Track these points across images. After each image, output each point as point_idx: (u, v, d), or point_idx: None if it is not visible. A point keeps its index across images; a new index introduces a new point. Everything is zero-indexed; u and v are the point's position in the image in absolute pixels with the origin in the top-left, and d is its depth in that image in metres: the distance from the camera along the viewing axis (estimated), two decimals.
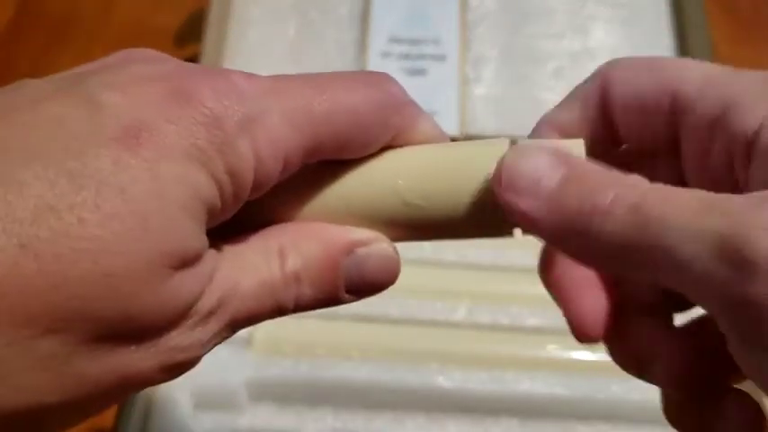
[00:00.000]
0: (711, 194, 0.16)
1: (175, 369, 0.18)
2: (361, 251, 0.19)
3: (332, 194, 0.20)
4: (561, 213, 0.18)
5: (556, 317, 0.43)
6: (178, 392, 0.39)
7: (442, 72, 0.51)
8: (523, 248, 0.43)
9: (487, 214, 0.19)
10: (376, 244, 0.20)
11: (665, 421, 0.41)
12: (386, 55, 0.51)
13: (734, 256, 0.15)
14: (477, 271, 0.44)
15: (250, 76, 0.18)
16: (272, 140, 0.17)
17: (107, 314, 0.16)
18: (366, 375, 0.40)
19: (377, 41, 0.52)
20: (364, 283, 0.20)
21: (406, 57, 0.51)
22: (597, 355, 0.41)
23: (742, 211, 0.15)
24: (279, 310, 0.19)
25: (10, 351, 0.15)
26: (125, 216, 0.16)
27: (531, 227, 0.18)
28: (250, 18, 0.54)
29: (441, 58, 0.51)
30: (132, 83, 0.17)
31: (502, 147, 0.19)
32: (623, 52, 0.54)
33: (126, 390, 0.17)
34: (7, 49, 0.58)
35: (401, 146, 0.20)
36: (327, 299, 0.20)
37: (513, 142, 0.19)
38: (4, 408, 0.15)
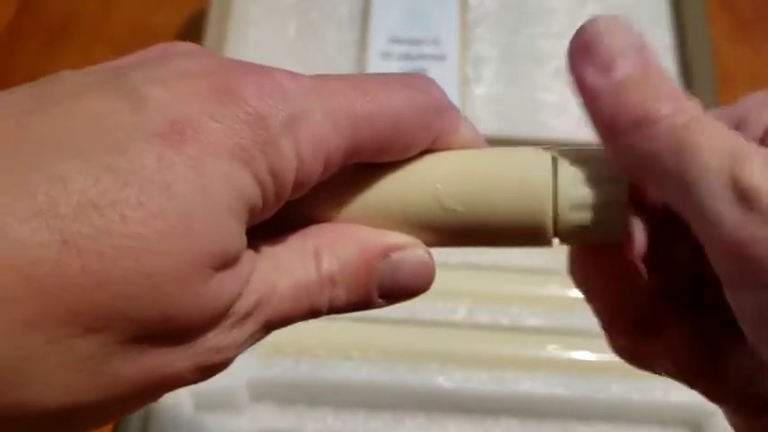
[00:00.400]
0: (741, 143, 0.17)
1: (210, 370, 0.17)
2: (397, 256, 0.19)
3: (370, 197, 0.19)
4: (619, 103, 0.18)
5: (556, 317, 0.43)
6: (179, 392, 0.39)
7: (441, 72, 0.51)
8: (524, 249, 0.43)
9: (527, 223, 0.19)
10: (411, 249, 0.19)
11: (666, 420, 0.41)
12: (386, 55, 0.51)
13: (741, 196, 0.16)
14: (478, 271, 0.44)
15: (293, 74, 0.18)
16: (314, 141, 0.17)
17: (147, 314, 0.15)
18: (366, 375, 0.40)
19: (377, 41, 0.52)
20: (398, 289, 0.20)
21: (407, 57, 0.51)
22: (597, 355, 0.41)
23: (764, 162, 0.16)
24: (313, 313, 0.19)
25: (49, 349, 0.15)
26: (169, 214, 0.15)
27: (588, 101, 0.18)
28: (250, 18, 0.54)
29: (441, 58, 0.51)
30: (175, 78, 0.17)
31: (545, 156, 0.19)
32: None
33: (160, 390, 0.17)
34: (8, 49, 0.58)
35: (441, 150, 0.20)
36: (361, 302, 0.19)
37: (555, 156, 0.19)
38: (40, 406, 0.15)
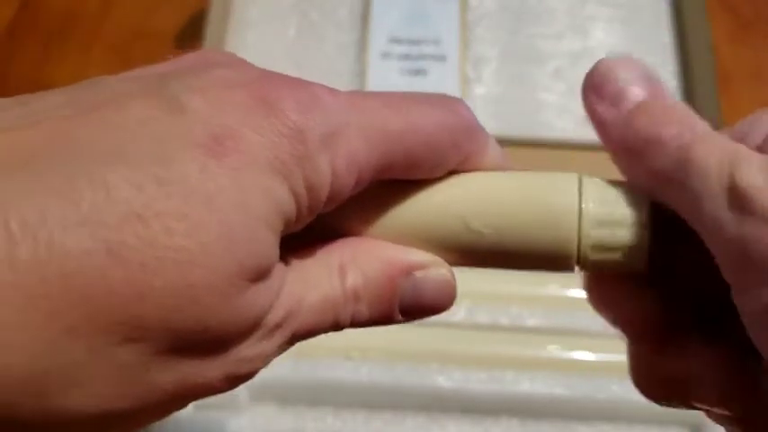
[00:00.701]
0: (741, 150, 0.18)
1: (238, 379, 0.17)
2: (420, 274, 0.19)
3: (397, 214, 0.20)
4: (630, 131, 0.20)
5: (556, 317, 0.43)
6: None
7: (442, 72, 0.51)
8: None
9: (551, 250, 0.19)
10: (434, 268, 0.20)
11: (666, 421, 0.41)
12: (386, 55, 0.51)
13: (738, 198, 0.17)
14: (477, 272, 0.44)
15: (330, 89, 0.18)
16: (348, 156, 0.17)
17: (186, 325, 0.15)
18: (366, 375, 0.40)
19: (377, 42, 0.52)
20: (419, 307, 0.20)
21: (407, 57, 0.51)
22: (598, 355, 0.41)
23: (760, 165, 0.17)
24: (336, 326, 0.19)
25: (90, 357, 0.15)
26: (211, 227, 0.15)
27: (601, 133, 0.20)
28: (250, 19, 0.54)
29: (441, 58, 0.51)
30: (215, 87, 0.17)
31: (572, 181, 0.20)
32: (623, 51, 0.54)
33: (189, 398, 0.17)
34: (8, 48, 0.58)
35: (468, 170, 0.20)
36: (382, 318, 0.20)
37: (580, 179, 0.20)
38: (79, 411, 0.15)
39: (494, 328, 0.42)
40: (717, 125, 0.46)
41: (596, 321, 0.46)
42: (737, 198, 0.17)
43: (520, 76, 0.52)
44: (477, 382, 0.40)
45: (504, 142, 0.58)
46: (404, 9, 0.53)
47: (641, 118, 0.19)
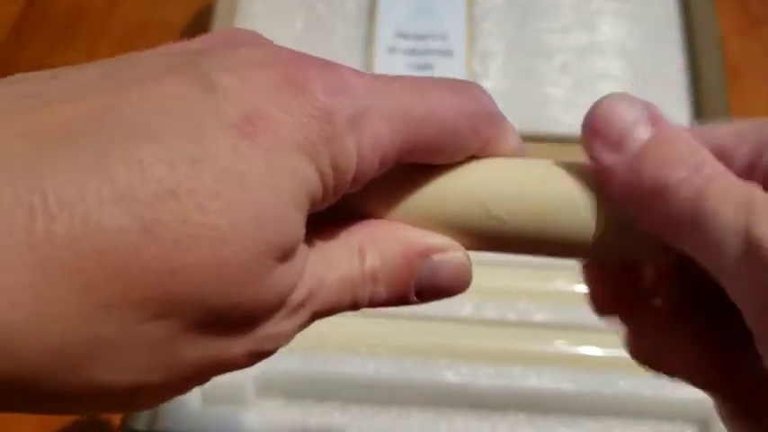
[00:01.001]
0: (756, 196, 0.17)
1: (260, 356, 0.18)
2: (437, 257, 0.20)
3: (416, 197, 0.20)
4: (637, 176, 0.18)
5: (563, 312, 0.43)
6: None
7: (448, 67, 0.51)
8: None
9: (569, 237, 0.19)
10: (452, 252, 0.20)
11: (673, 416, 0.41)
12: (392, 50, 0.51)
13: (758, 254, 0.16)
14: (485, 267, 0.44)
15: (356, 72, 0.18)
16: (374, 138, 0.18)
17: (215, 302, 0.16)
18: (374, 370, 0.40)
19: (384, 36, 0.52)
20: (434, 289, 0.20)
21: (413, 52, 0.51)
22: (605, 350, 0.41)
23: None
24: (355, 305, 0.19)
25: (121, 332, 0.15)
26: (243, 206, 0.16)
27: (605, 179, 0.19)
28: (257, 12, 0.54)
29: (448, 53, 0.51)
30: (246, 67, 0.17)
31: (591, 169, 0.19)
32: (630, 46, 0.53)
33: (213, 373, 0.17)
34: (15, 43, 0.58)
35: (487, 156, 0.20)
36: (397, 299, 0.20)
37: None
38: (109, 384, 0.16)
39: (501, 323, 0.42)
40: (725, 120, 0.46)
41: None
42: (755, 249, 0.16)
43: (526, 70, 0.52)
44: (485, 378, 0.40)
45: None
46: (410, 4, 0.53)
47: (647, 162, 0.18)
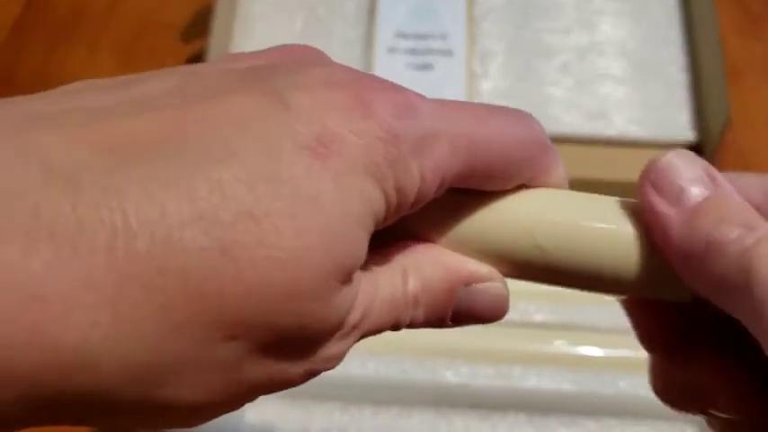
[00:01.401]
0: None
1: (313, 376, 0.18)
2: (478, 286, 0.20)
3: (464, 222, 0.20)
4: (690, 231, 0.18)
5: (563, 312, 0.43)
6: None
7: (448, 67, 0.51)
8: None
9: (609, 274, 0.20)
10: (492, 282, 0.20)
11: (672, 416, 0.41)
12: (392, 50, 0.51)
13: None
14: None
15: (422, 96, 0.18)
16: (436, 162, 0.18)
17: (284, 324, 0.16)
18: (373, 370, 0.40)
19: (383, 37, 0.52)
20: (470, 316, 0.20)
21: (413, 52, 0.51)
22: (605, 350, 0.41)
23: None
24: (395, 327, 0.20)
25: (193, 352, 0.15)
26: (316, 228, 0.16)
27: (658, 229, 0.19)
28: (256, 13, 0.54)
29: (448, 53, 0.51)
30: (318, 86, 0.17)
31: (637, 209, 0.20)
32: (631, 46, 0.53)
33: (269, 391, 0.17)
34: (15, 45, 0.58)
35: (535, 186, 0.20)
36: (434, 322, 0.20)
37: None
38: (178, 402, 0.16)
39: (501, 323, 0.42)
40: (726, 120, 0.46)
41: (603, 317, 0.46)
42: None
43: (527, 70, 0.52)
44: (485, 378, 0.40)
45: None
46: (410, 4, 0.53)
47: (702, 218, 0.18)
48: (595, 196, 0.20)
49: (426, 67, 0.51)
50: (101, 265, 0.14)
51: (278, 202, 0.15)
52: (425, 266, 0.20)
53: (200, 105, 0.16)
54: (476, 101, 0.51)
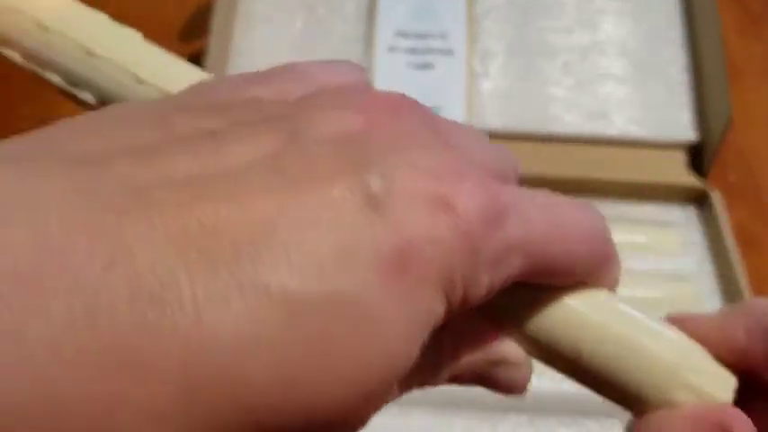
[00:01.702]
0: None
1: None
2: (507, 366, 0.21)
3: (516, 314, 0.20)
4: None
5: None
6: None
7: (449, 66, 0.51)
8: None
9: (633, 395, 0.20)
10: (522, 367, 0.21)
11: None
12: (393, 49, 0.51)
13: None
14: None
15: (507, 190, 0.17)
16: (508, 274, 0.17)
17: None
18: None
19: (384, 36, 0.52)
20: (491, 387, 0.22)
21: (413, 51, 0.51)
22: None
23: None
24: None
25: None
26: (381, 343, 0.15)
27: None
28: (256, 13, 0.54)
29: (448, 52, 0.51)
30: (408, 179, 0.16)
31: (682, 344, 0.20)
32: (632, 46, 0.53)
33: None
34: None
35: (591, 282, 0.20)
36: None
37: (691, 347, 0.20)
38: None
39: None
40: (727, 120, 0.46)
41: None
42: None
43: (528, 70, 0.52)
44: None
45: (512, 137, 0.57)
46: (410, 3, 0.53)
47: None
48: (644, 319, 0.20)
49: (426, 66, 0.51)
50: (171, 380, 0.13)
51: (344, 322, 0.14)
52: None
53: (295, 193, 0.15)
54: (476, 100, 0.50)
